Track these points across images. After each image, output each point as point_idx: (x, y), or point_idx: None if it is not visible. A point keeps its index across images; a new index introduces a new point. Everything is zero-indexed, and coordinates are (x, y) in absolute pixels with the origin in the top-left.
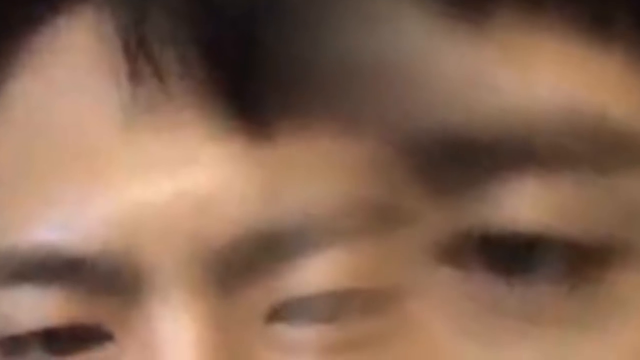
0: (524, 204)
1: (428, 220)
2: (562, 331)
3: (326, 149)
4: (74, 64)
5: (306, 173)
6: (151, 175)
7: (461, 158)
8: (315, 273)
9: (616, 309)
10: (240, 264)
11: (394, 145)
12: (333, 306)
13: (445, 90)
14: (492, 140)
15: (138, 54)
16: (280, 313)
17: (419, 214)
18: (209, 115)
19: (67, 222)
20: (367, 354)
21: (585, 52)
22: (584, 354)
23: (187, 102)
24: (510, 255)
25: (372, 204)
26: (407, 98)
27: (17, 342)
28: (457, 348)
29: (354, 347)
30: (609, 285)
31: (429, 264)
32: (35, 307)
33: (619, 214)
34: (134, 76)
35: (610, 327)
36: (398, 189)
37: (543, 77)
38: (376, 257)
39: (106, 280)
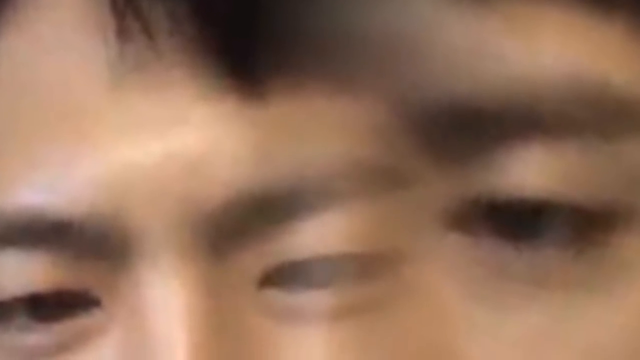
0: (530, 170)
1: (436, 188)
2: (569, 294)
3: (321, 108)
4: (59, 20)
5: (300, 133)
6: (140, 136)
7: (468, 127)
8: (310, 237)
9: (621, 271)
10: (232, 228)
11: (401, 114)
12: (328, 271)
13: (451, 61)
14: (498, 109)
15: (126, 10)
16: (273, 278)
17: (425, 181)
18: (199, 73)
19: (52, 184)
20: (365, 320)
21: (587, 22)
22: (591, 316)
23: (177, 60)
24: (517, 221)
25: (369, 166)
26: (413, 69)
27: (2, 308)
28: (466, 312)
29: (351, 313)
30: (614, 249)
31: (437, 231)
32: (20, 272)
33: (623, 179)
34: (122, 33)
35: (616, 290)
36: (396, 150)
37: (547, 46)
38: (374, 221)
39: (93, 244)
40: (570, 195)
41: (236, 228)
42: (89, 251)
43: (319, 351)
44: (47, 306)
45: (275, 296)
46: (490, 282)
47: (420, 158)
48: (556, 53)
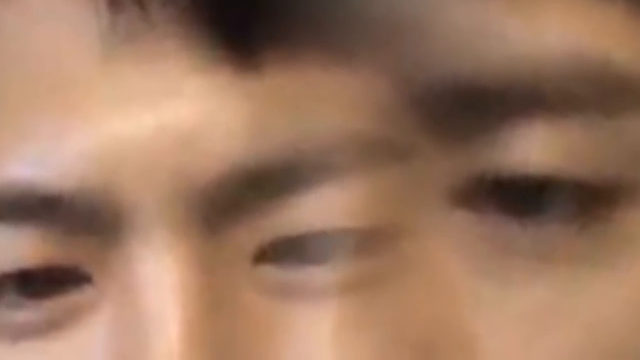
0: (534, 147)
1: (441, 166)
2: (574, 269)
3: (317, 80)
4: None
5: (296, 106)
6: (132, 108)
7: (472, 105)
8: (306, 211)
9: (625, 246)
10: (226, 202)
11: (405, 94)
12: (325, 247)
13: (455, 41)
14: (501, 88)
15: None
16: (268, 254)
17: (430, 159)
18: (192, 45)
19: (42, 157)
20: (364, 297)
21: (588, 1)
22: (595, 290)
23: (170, 31)
24: (522, 197)
25: (366, 139)
26: (417, 49)
27: None
28: (472, 287)
29: (349, 290)
30: (618, 224)
31: (443, 208)
32: (9, 248)
33: (626, 155)
34: (114, 3)
35: (620, 264)
36: (394, 122)
37: (549, 25)
38: (372, 195)
39: (84, 219)
40: (573, 171)
41: (230, 202)
42: (79, 226)
43: (316, 329)
44: (36, 282)
45: (270, 272)
46: (496, 257)
47: (425, 136)
48: (558, 32)
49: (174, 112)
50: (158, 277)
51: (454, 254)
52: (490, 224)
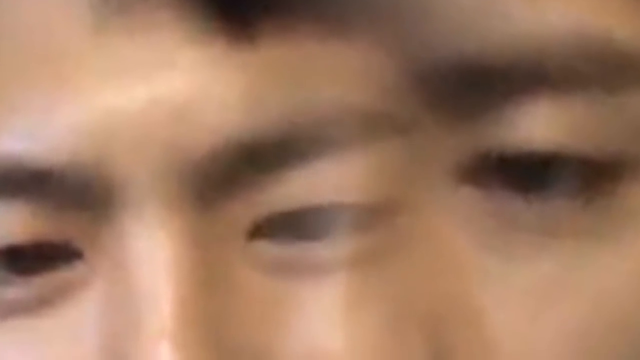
0: (538, 124)
1: (447, 143)
2: (579, 243)
3: (313, 52)
4: None
5: (291, 78)
6: (124, 80)
7: (477, 84)
8: (302, 186)
9: (629, 220)
10: (220, 177)
11: (410, 73)
12: (321, 222)
13: (460, 20)
14: (505, 66)
15: None
16: (263, 229)
17: (436, 136)
18: (186, 16)
19: (32, 131)
20: (362, 273)
21: None
22: (600, 264)
23: (163, 1)
24: (527, 173)
25: (362, 112)
26: (423, 28)
27: None
28: (479, 262)
29: (345, 266)
30: (622, 198)
31: (449, 184)
32: None
33: (628, 130)
34: None
35: (624, 238)
36: (394, 96)
37: (552, 4)
38: (370, 170)
39: (75, 193)
40: (577, 147)
41: (224, 177)
42: (70, 201)
43: (311, 306)
44: (26, 259)
45: (265, 248)
46: (502, 233)
47: (430, 114)
48: (560, 10)
49: (167, 84)
50: (150, 253)
51: (460, 230)
52: (496, 200)
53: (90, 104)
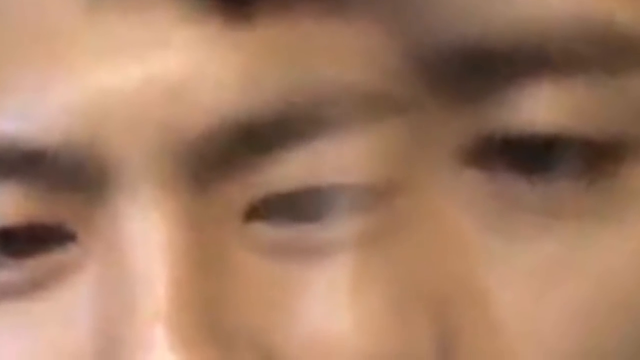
0: (541, 106)
1: (451, 126)
2: (582, 224)
3: (310, 31)
4: None
5: (288, 57)
6: (118, 59)
7: (480, 67)
8: (298, 167)
9: (631, 201)
10: (215, 157)
11: (414, 58)
12: (318, 204)
13: (462, 4)
14: (508, 50)
15: None
16: (259, 211)
17: (440, 119)
18: None
19: (25, 111)
20: (360, 255)
21: None
22: (603, 244)
23: None
24: (530, 155)
25: (360, 92)
26: (425, 12)
27: None
28: (484, 243)
29: (343, 249)
30: (624, 179)
31: (454, 167)
32: None
33: (630, 112)
34: None
35: (627, 218)
36: (392, 76)
37: None
38: (368, 150)
39: (68, 174)
40: (579, 129)
41: (220, 157)
42: (63, 182)
43: (310, 289)
44: (19, 241)
45: (261, 230)
46: (506, 214)
47: (434, 97)
48: None
49: (161, 63)
50: (145, 235)
51: (464, 211)
52: (500, 182)
53: (83, 83)
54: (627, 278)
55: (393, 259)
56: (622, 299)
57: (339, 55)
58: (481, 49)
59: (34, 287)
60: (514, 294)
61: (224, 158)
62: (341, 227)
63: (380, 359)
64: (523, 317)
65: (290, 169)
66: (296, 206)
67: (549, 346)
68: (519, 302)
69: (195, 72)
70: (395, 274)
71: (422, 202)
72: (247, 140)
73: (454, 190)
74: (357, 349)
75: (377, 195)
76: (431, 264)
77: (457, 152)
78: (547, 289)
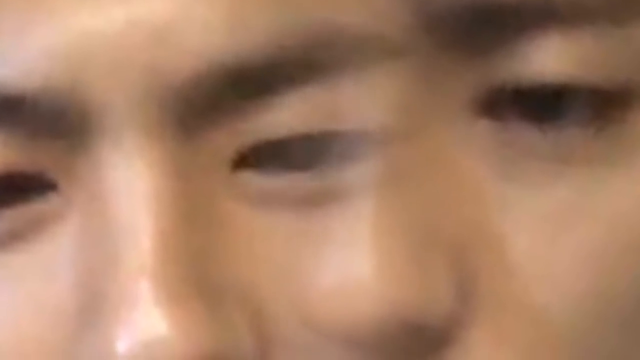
0: (550, 57)
1: (464, 79)
2: (592, 169)
3: None
4: None
5: None
6: (101, 1)
7: (490, 21)
8: (288, 112)
9: (639, 145)
10: (203, 103)
11: (426, 15)
12: (308, 151)
13: None
14: (516, 3)
15: None
16: (248, 159)
17: (453, 73)
18: None
19: (3, 54)
20: (349, 205)
21: None
22: (613, 188)
23: None
24: (541, 104)
25: (354, 34)
26: None
27: None
28: (499, 191)
29: (332, 198)
30: (631, 125)
31: (468, 118)
32: None
33: (636, 60)
34: None
35: (635, 162)
36: (384, 16)
37: None
38: (360, 95)
39: (49, 121)
40: (587, 78)
41: (207, 103)
42: (44, 129)
43: (297, 240)
44: None
45: (250, 179)
46: (519, 162)
47: (446, 51)
48: None
49: (146, 5)
50: (129, 184)
51: (479, 160)
52: (512, 131)
53: (65, 25)
54: (636, 220)
55: (409, 207)
56: (632, 241)
57: None
58: (490, 3)
59: (12, 238)
60: (529, 239)
61: (212, 104)
62: (332, 177)
63: (402, 306)
64: (538, 260)
65: (281, 116)
66: (287, 154)
67: (563, 288)
68: (534, 246)
69: (181, 13)
70: (412, 221)
71: (438, 152)
72: (235, 85)
73: (468, 140)
74: (380, 296)
75: (376, 143)
76: (448, 211)
77: (470, 103)
78: (560, 232)
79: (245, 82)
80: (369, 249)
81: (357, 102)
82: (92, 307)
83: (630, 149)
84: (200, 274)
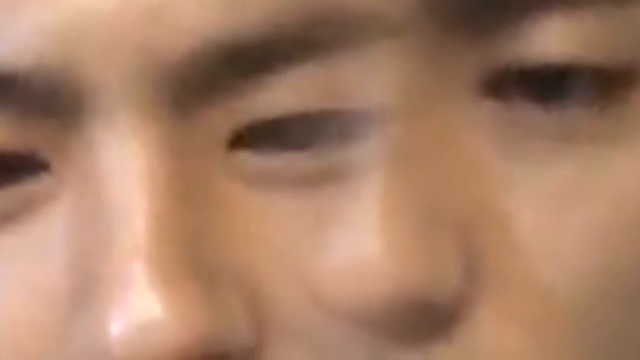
0: (553, 38)
1: (469, 60)
2: (596, 148)
3: None
4: None
5: None
6: None
7: (494, 3)
8: (285, 92)
9: None
10: (198, 81)
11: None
12: (305, 130)
13: None
14: None
15: None
16: (244, 139)
17: (458, 54)
18: None
19: None
20: (353, 185)
21: None
22: (617, 167)
23: None
24: (545, 85)
25: (351, 12)
26: None
27: None
28: (505, 169)
29: (330, 178)
30: (634, 104)
31: (473, 98)
32: None
33: (638, 40)
34: None
35: (639, 141)
36: None
37: None
38: (356, 74)
39: (41, 100)
40: (591, 58)
41: (203, 82)
42: (36, 108)
43: (295, 220)
44: None
45: (246, 159)
46: (524, 141)
47: (451, 33)
48: None
49: None
50: (123, 164)
51: (485, 140)
52: (517, 111)
53: (58, 3)
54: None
55: (415, 186)
56: (636, 218)
57: None
58: None
59: (4, 219)
60: (534, 217)
61: (207, 82)
62: (329, 156)
63: (410, 284)
64: (543, 238)
65: (277, 95)
66: (283, 133)
67: (568, 265)
68: (539, 224)
69: None
70: (419, 200)
71: (443, 132)
72: (231, 64)
73: (474, 120)
74: (388, 275)
75: (378, 122)
76: (453, 190)
77: (475, 84)
78: (565, 210)
79: (241, 60)
80: (376, 229)
81: (357, 80)
82: (85, 289)
83: (633, 127)
84: (195, 256)
